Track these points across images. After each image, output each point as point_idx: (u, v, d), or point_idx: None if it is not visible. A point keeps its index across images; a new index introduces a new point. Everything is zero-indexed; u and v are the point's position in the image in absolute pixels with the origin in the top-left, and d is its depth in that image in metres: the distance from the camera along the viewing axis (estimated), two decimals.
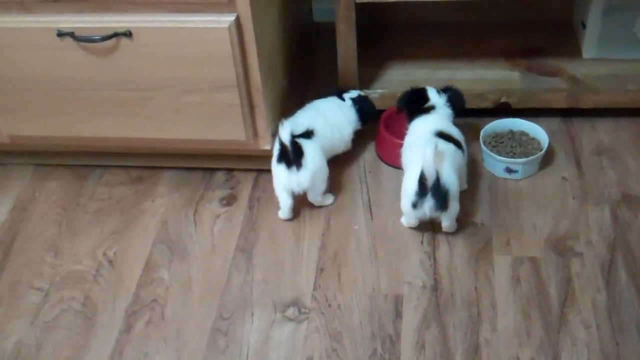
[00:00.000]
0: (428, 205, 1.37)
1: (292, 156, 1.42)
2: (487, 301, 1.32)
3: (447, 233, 1.44)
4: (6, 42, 1.40)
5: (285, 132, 1.40)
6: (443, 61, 1.78)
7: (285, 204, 1.48)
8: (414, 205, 1.38)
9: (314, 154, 1.45)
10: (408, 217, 1.44)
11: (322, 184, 1.49)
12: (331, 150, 1.56)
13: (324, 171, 1.49)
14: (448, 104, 1.53)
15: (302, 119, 1.51)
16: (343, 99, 1.61)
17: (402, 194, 1.42)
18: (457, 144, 1.45)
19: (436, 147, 1.33)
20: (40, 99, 1.47)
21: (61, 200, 1.60)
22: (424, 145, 1.33)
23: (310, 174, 1.45)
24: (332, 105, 1.59)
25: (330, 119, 1.55)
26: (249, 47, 1.37)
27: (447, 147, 1.41)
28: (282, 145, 1.42)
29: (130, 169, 1.66)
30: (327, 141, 1.52)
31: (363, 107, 1.61)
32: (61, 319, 1.35)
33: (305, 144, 1.45)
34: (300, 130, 1.46)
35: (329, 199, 1.54)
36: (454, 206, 1.39)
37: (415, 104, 1.55)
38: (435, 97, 1.54)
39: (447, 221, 1.42)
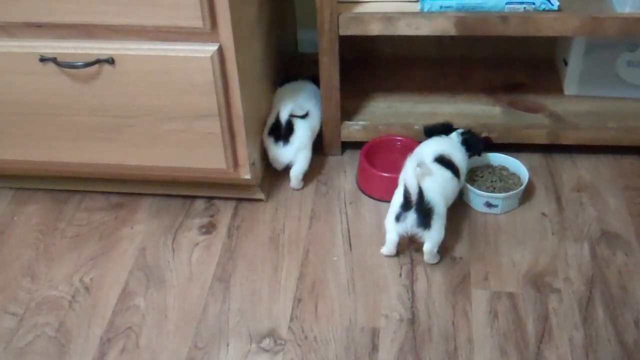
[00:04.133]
0: (410, 219, 1.39)
1: (283, 133, 1.57)
2: (464, 336, 1.31)
3: (425, 266, 1.44)
4: None
5: (286, 111, 1.55)
6: (426, 95, 1.79)
7: (279, 169, 1.64)
8: (397, 218, 1.40)
9: (302, 134, 1.59)
10: (390, 234, 1.44)
11: (304, 163, 1.61)
12: (317, 129, 1.68)
13: (309, 150, 1.62)
14: (462, 143, 1.56)
15: (301, 100, 1.63)
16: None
17: (389, 209, 1.45)
18: (455, 171, 1.47)
19: (420, 164, 1.38)
20: (21, 123, 1.47)
21: (39, 225, 1.59)
22: (407, 161, 1.39)
23: (295, 149, 1.59)
24: (314, 88, 1.68)
25: (318, 100, 1.65)
26: (231, 76, 1.38)
27: (443, 173, 1.45)
28: (276, 120, 1.56)
29: (109, 194, 1.65)
30: (316, 122, 1.65)
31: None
32: (35, 345, 1.33)
33: (298, 123, 1.59)
34: (299, 112, 1.59)
35: (301, 185, 1.65)
36: (437, 227, 1.40)
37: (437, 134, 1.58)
38: (454, 135, 1.58)
39: (429, 244, 1.41)
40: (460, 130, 1.58)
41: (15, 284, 1.45)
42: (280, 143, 1.58)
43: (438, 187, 1.42)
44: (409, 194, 1.38)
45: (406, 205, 1.39)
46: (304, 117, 1.61)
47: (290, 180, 1.63)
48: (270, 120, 1.60)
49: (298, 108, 1.60)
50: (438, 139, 1.55)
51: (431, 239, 1.41)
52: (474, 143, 1.57)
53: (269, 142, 1.59)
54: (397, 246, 1.45)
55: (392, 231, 1.43)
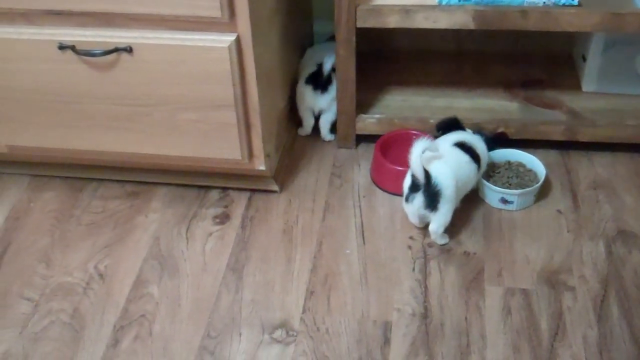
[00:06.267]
0: (418, 201, 1.43)
1: (324, 82, 1.68)
2: (477, 332, 1.31)
3: (439, 261, 1.44)
4: (8, 53, 1.41)
5: (330, 62, 1.66)
6: (442, 89, 1.78)
7: (308, 122, 1.75)
8: (406, 199, 1.45)
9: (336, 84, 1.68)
10: (408, 215, 1.49)
11: (335, 114, 1.71)
12: None
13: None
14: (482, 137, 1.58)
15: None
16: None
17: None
18: (474, 157, 1.48)
19: (426, 149, 1.39)
20: (39, 110, 1.48)
21: (55, 212, 1.60)
22: (413, 146, 1.40)
23: (331, 98, 1.69)
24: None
25: None
26: (248, 67, 1.38)
27: (460, 157, 1.46)
28: (319, 70, 1.67)
29: (125, 183, 1.66)
30: None
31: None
32: (49, 331, 1.35)
33: (333, 75, 1.68)
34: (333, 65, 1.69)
35: (332, 137, 1.76)
36: (444, 210, 1.42)
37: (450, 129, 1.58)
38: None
39: (434, 225, 1.44)
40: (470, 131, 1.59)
41: (31, 270, 1.47)
42: (319, 91, 1.68)
43: (450, 170, 1.42)
44: (415, 177, 1.41)
45: (414, 187, 1.43)
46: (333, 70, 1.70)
47: (321, 130, 1.75)
48: (309, 70, 1.70)
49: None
50: (463, 132, 1.55)
51: (436, 221, 1.44)
52: (493, 139, 1.58)
53: (307, 90, 1.69)
54: (422, 221, 1.48)
55: (407, 211, 1.48)
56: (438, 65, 1.87)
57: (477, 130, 1.59)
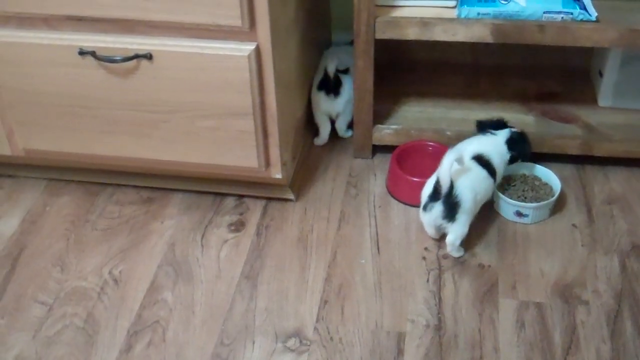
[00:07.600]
0: (437, 210, 1.42)
1: (333, 85, 1.68)
2: (490, 344, 1.31)
3: (453, 272, 1.44)
4: (29, 57, 1.42)
5: (332, 65, 1.66)
6: (458, 101, 1.79)
7: (324, 129, 1.76)
8: (425, 208, 1.44)
9: (349, 86, 1.70)
10: (424, 225, 1.48)
11: (350, 114, 1.72)
12: None
13: (352, 102, 1.70)
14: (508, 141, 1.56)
15: (343, 58, 1.72)
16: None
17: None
18: (491, 171, 1.49)
19: (459, 159, 1.39)
20: (57, 115, 1.49)
21: (71, 216, 1.61)
22: (446, 154, 1.38)
23: (345, 100, 1.70)
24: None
25: None
26: (267, 76, 1.38)
27: (479, 171, 1.47)
28: (326, 75, 1.67)
29: (141, 189, 1.67)
30: None
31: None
32: (63, 335, 1.35)
33: (343, 77, 1.71)
34: (342, 66, 1.71)
35: (349, 133, 1.77)
36: (461, 221, 1.42)
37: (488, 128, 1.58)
38: (502, 134, 1.57)
39: (451, 236, 1.44)
40: (512, 129, 1.58)
41: (46, 274, 1.47)
42: (332, 95, 1.69)
43: (469, 183, 1.43)
44: (440, 185, 1.40)
45: (434, 196, 1.42)
46: (346, 72, 1.72)
47: (338, 132, 1.78)
48: (319, 77, 1.71)
49: (341, 64, 1.71)
50: (482, 138, 1.55)
51: (454, 232, 1.44)
52: (520, 144, 1.56)
53: (320, 97, 1.70)
54: (438, 232, 1.48)
55: (423, 222, 1.48)
56: (455, 77, 1.87)
57: (518, 132, 1.58)
